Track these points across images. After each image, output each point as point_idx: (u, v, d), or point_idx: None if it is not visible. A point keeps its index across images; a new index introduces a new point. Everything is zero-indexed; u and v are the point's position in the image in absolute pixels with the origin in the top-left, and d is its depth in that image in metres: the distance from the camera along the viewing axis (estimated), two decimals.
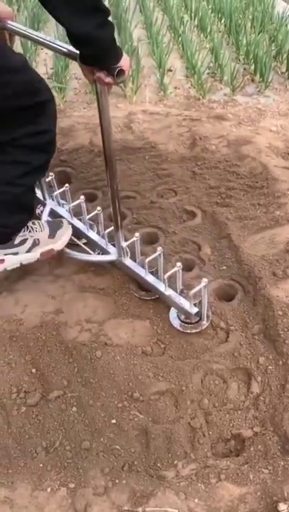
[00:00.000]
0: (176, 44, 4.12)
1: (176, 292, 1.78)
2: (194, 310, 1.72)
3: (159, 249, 1.78)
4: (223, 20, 4.46)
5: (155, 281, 1.82)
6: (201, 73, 3.46)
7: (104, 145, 1.61)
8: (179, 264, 1.75)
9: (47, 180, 2.20)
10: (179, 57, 3.99)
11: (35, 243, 1.78)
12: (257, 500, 1.31)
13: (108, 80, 1.35)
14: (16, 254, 1.76)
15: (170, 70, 3.78)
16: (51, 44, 1.57)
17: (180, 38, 4.13)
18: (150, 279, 1.83)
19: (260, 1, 4.42)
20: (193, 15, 4.56)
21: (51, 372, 1.64)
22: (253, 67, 3.69)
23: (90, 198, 2.46)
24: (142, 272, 1.84)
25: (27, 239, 1.77)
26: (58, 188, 2.19)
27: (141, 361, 1.67)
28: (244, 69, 3.75)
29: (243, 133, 2.82)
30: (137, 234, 1.87)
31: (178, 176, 2.55)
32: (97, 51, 1.29)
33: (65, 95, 3.30)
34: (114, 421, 1.50)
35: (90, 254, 2.01)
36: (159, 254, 1.78)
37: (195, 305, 1.74)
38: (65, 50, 1.49)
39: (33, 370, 1.66)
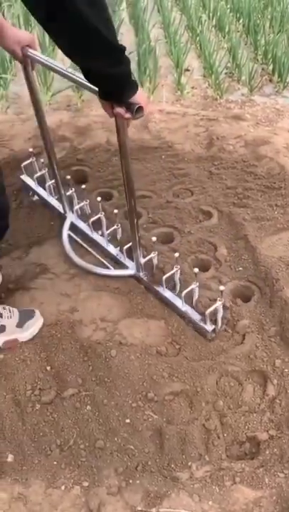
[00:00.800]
0: (194, 44, 4.10)
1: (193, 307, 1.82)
2: (210, 328, 1.74)
3: (176, 267, 1.85)
4: (241, 20, 4.43)
5: (173, 297, 1.85)
6: (218, 73, 3.44)
7: (124, 169, 1.62)
8: (196, 282, 1.78)
9: (67, 194, 2.24)
10: (196, 57, 3.98)
11: (1, 329, 1.71)
12: (272, 504, 1.29)
13: (127, 115, 1.36)
14: None
15: (187, 70, 3.76)
16: (71, 76, 1.57)
17: (198, 38, 4.11)
18: (168, 294, 1.86)
19: (279, 1, 4.38)
20: (211, 15, 4.54)
21: (66, 371, 1.64)
22: (271, 67, 3.66)
23: (107, 197, 2.46)
24: (159, 288, 1.88)
25: None
26: (76, 191, 2.25)
27: (156, 361, 1.67)
28: (262, 69, 3.72)
29: (261, 133, 2.79)
30: (155, 252, 1.93)
31: (194, 176, 2.54)
32: (113, 88, 1.33)
33: (82, 94, 3.30)
34: (128, 420, 1.50)
35: (109, 268, 2.04)
36: (176, 271, 1.85)
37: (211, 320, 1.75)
38: (85, 82, 1.48)
39: (48, 368, 1.66)
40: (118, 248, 2.08)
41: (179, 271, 1.87)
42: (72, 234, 2.20)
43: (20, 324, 1.73)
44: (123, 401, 1.55)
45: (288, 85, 3.40)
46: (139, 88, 1.39)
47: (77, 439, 1.45)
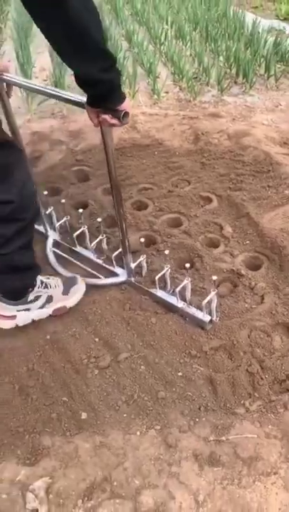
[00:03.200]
0: (158, 53, 4.38)
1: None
2: (207, 318, 1.81)
3: (166, 266, 1.90)
4: (198, 30, 4.77)
5: (167, 296, 1.93)
6: (189, 77, 3.73)
7: (111, 176, 1.69)
8: (187, 278, 1.84)
9: (47, 212, 2.27)
10: (162, 65, 4.26)
11: (49, 300, 1.82)
12: None
13: (114, 121, 1.42)
14: (28, 310, 1.80)
15: (157, 77, 4.02)
16: (52, 92, 1.62)
17: (162, 47, 4.40)
18: (161, 294, 1.93)
19: (234, 13, 4.76)
20: (170, 25, 4.85)
21: (114, 339, 1.80)
22: (234, 70, 3.99)
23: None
24: (152, 289, 1.94)
25: (41, 295, 1.81)
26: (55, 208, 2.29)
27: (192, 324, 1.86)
28: (225, 72, 4.05)
29: (240, 127, 3.08)
30: (143, 255, 2.00)
31: (188, 168, 2.77)
32: (103, 92, 1.36)
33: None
34: (180, 373, 1.68)
35: (100, 278, 2.06)
36: (167, 271, 1.90)
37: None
38: (66, 96, 1.56)
39: (97, 339, 1.81)
40: (104, 257, 2.12)
41: (169, 270, 1.91)
42: (56, 250, 2.22)
43: (65, 291, 1.86)
44: (172, 359, 1.73)
45: (253, 86, 3.73)
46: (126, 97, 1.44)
47: (139, 393, 1.61)
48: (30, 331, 1.85)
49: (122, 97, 1.41)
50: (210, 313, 1.83)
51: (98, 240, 2.12)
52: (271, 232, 2.22)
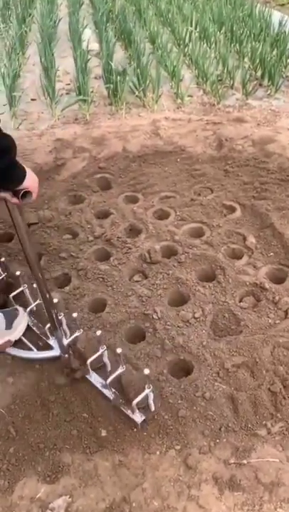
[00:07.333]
0: (182, 55, 4.34)
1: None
2: (140, 419, 1.55)
3: (103, 347, 1.65)
4: (223, 30, 4.71)
5: (99, 383, 1.68)
6: (213, 81, 3.68)
7: (26, 254, 1.50)
8: (122, 367, 1.58)
9: None
10: (185, 67, 4.22)
11: None
12: None
13: (14, 200, 1.40)
14: None
15: (180, 80, 3.99)
16: None
17: (186, 49, 4.36)
18: (95, 379, 1.69)
19: (260, 12, 4.68)
20: (194, 26, 4.80)
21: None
22: (259, 72, 3.93)
23: (133, 200, 2.64)
24: (87, 375, 1.70)
25: None
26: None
27: (213, 339, 1.84)
28: (250, 75, 3.98)
29: (265, 133, 3.03)
30: (80, 330, 1.73)
31: (211, 175, 2.74)
32: None
33: (89, 108, 3.48)
34: (202, 392, 1.66)
35: (32, 350, 1.82)
36: (103, 352, 1.66)
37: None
38: None
39: None
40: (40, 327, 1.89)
41: (106, 352, 1.66)
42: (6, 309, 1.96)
43: (8, 326, 1.80)
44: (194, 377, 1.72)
45: (279, 88, 3.66)
46: (28, 171, 1.42)
47: (160, 411, 1.60)
48: None
49: (20, 176, 1.39)
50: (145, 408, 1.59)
51: (35, 304, 1.88)
52: None
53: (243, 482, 1.38)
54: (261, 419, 1.58)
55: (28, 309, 1.89)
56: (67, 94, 3.83)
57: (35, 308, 1.91)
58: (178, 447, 1.50)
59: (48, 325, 1.78)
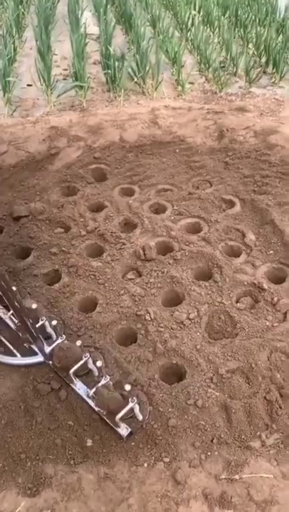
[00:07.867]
0: (185, 40, 4.19)
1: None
2: (126, 432, 1.49)
3: (85, 356, 1.57)
4: (227, 15, 4.54)
5: (84, 394, 1.60)
6: (215, 68, 3.54)
7: None
8: (105, 377, 1.54)
9: None
10: (187, 53, 4.07)
11: None
12: None
13: None
14: None
15: (182, 66, 3.85)
16: None
17: (189, 34, 4.20)
18: (81, 389, 1.61)
19: None
20: (198, 10, 4.63)
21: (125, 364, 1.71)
22: (264, 59, 3.78)
23: (128, 193, 2.54)
24: (71, 382, 1.63)
25: None
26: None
27: (207, 343, 1.75)
28: (254, 61, 3.83)
29: (267, 123, 2.90)
30: (62, 337, 1.66)
31: (211, 167, 2.63)
32: None
33: (86, 94, 3.35)
34: (194, 400, 1.58)
35: (16, 356, 1.74)
36: (86, 361, 1.59)
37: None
38: None
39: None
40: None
41: (90, 359, 1.58)
42: None
43: None
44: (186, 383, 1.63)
45: (284, 76, 3.52)
46: None
47: (149, 420, 1.52)
48: None
49: None
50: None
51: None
52: None
53: (234, 499, 1.30)
54: (255, 429, 1.50)
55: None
56: (64, 79, 3.70)
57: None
58: (167, 459, 1.42)
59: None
